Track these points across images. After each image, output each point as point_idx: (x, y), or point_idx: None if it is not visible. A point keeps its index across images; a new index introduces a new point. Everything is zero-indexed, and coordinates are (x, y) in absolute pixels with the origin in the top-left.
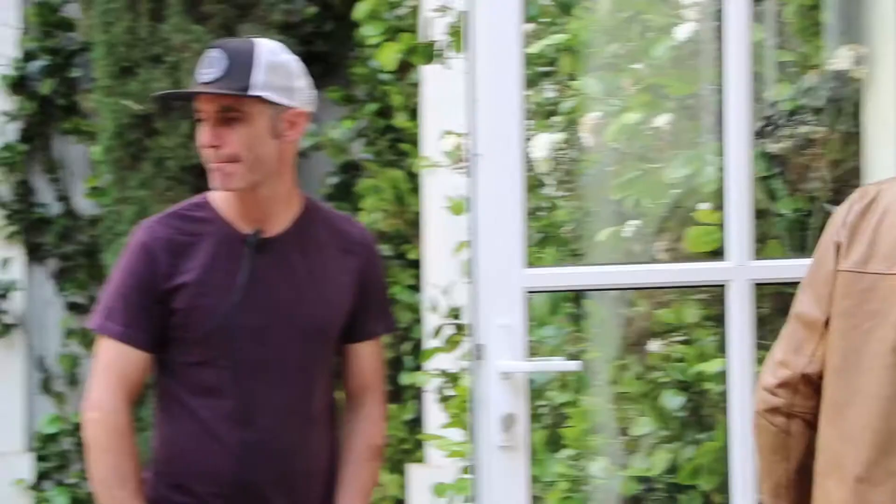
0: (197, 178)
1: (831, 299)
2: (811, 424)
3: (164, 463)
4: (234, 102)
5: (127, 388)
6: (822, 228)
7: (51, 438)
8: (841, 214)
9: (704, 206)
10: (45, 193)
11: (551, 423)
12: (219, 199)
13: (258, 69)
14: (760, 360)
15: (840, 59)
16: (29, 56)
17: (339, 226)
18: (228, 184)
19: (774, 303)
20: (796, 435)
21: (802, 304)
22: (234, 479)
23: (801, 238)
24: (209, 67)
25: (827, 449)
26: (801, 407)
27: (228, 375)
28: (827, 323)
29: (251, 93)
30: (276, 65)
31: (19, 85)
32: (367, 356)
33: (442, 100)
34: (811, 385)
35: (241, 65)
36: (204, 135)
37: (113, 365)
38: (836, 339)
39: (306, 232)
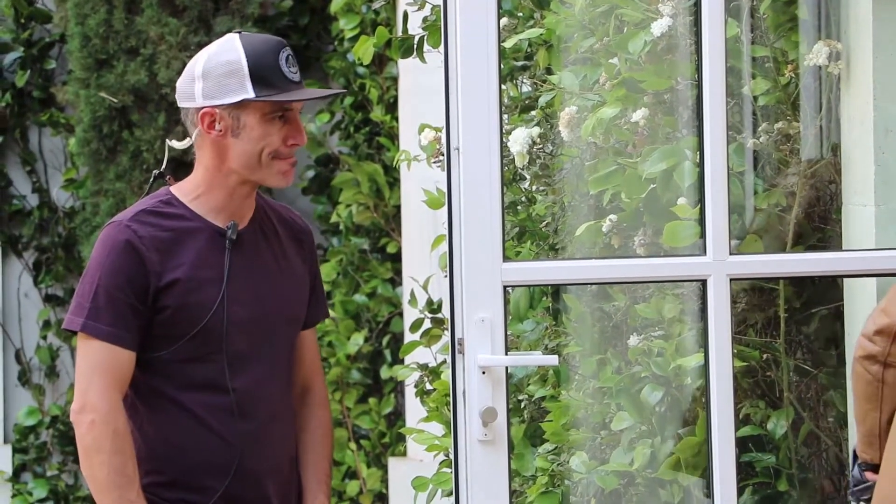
0: (174, 170)
1: None
2: None
3: (151, 459)
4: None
5: (119, 388)
6: (799, 223)
7: (29, 430)
8: None
9: (682, 201)
10: (21, 185)
11: (531, 418)
12: (184, 194)
13: None
14: (738, 355)
15: (816, 54)
16: (3, 48)
17: (285, 216)
18: (291, 179)
19: (752, 297)
20: (891, 384)
21: None
22: (236, 470)
23: (778, 233)
24: (294, 66)
25: None
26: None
27: (221, 369)
28: None
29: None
30: None
31: None
32: (311, 342)
33: (419, 93)
34: None
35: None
36: (300, 133)
37: (103, 366)
38: None
39: (266, 224)
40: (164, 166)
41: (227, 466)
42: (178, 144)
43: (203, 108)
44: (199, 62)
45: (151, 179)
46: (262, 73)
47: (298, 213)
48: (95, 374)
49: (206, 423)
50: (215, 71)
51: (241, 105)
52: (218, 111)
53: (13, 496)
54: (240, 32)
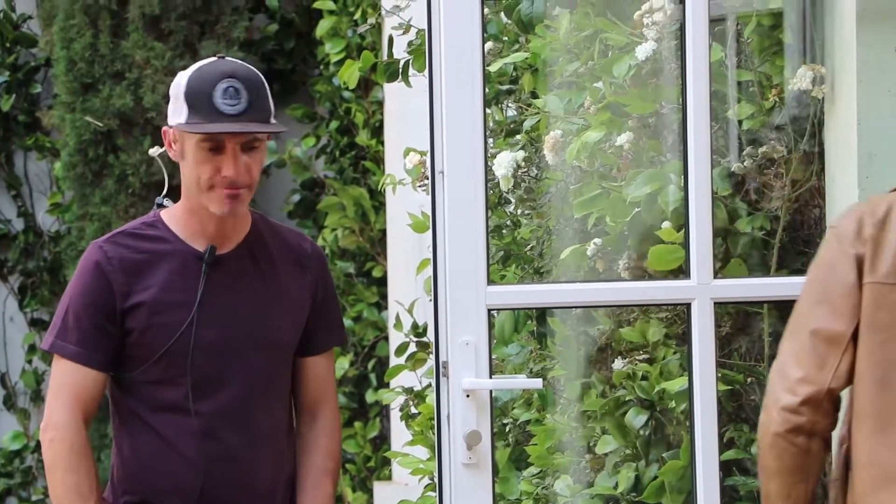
0: (168, 193)
1: (855, 312)
2: (828, 442)
3: (126, 480)
4: (259, 133)
5: (82, 407)
6: (783, 247)
7: (14, 455)
8: (851, 229)
9: (667, 225)
10: (6, 209)
11: (515, 441)
12: (170, 217)
13: (269, 97)
14: (722, 379)
15: (800, 78)
16: None
17: (290, 240)
18: (238, 209)
19: (735, 321)
20: (816, 453)
21: (819, 321)
22: (201, 493)
23: (762, 257)
24: (234, 99)
25: (875, 463)
26: (822, 424)
27: (186, 392)
28: (853, 336)
29: (272, 121)
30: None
31: None
32: (321, 369)
33: (404, 117)
34: (833, 401)
35: (259, 95)
36: (229, 166)
37: (68, 385)
38: (873, 352)
39: (258, 247)
40: (165, 189)
41: (192, 488)
42: (154, 151)
43: (166, 126)
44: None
45: (155, 205)
46: (195, 100)
47: (310, 239)
48: (60, 392)
49: (173, 445)
50: (173, 92)
51: (181, 129)
52: (171, 131)
53: None
54: (222, 57)
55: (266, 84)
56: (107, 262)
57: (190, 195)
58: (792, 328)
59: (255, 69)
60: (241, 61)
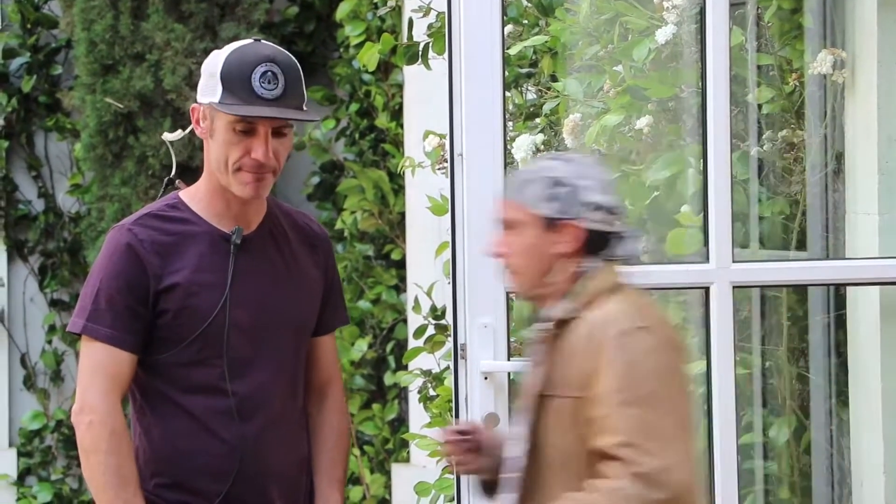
0: (179, 176)
1: None
2: None
3: (156, 462)
4: (292, 120)
5: (119, 390)
6: (802, 231)
7: (34, 434)
8: None
9: (686, 209)
10: (27, 190)
11: None
12: (191, 198)
13: (303, 84)
14: (741, 363)
15: (821, 63)
16: (10, 53)
17: (299, 221)
18: (262, 193)
19: (755, 305)
20: None
21: None
22: (237, 474)
23: (782, 241)
24: (272, 84)
25: None
26: None
27: (221, 373)
28: None
29: (305, 108)
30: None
31: (0, 82)
32: (329, 349)
33: (424, 100)
34: None
35: (295, 81)
36: (259, 149)
37: (103, 368)
38: None
39: (276, 229)
40: (173, 171)
41: (228, 470)
42: (170, 136)
43: (195, 103)
44: (207, 58)
45: (164, 185)
46: (232, 81)
47: (316, 219)
48: (95, 375)
49: (208, 427)
50: (207, 69)
51: (214, 108)
52: (201, 108)
53: (18, 500)
54: (257, 40)
55: (301, 71)
56: (139, 243)
57: (214, 175)
58: None
59: (291, 56)
60: (278, 46)
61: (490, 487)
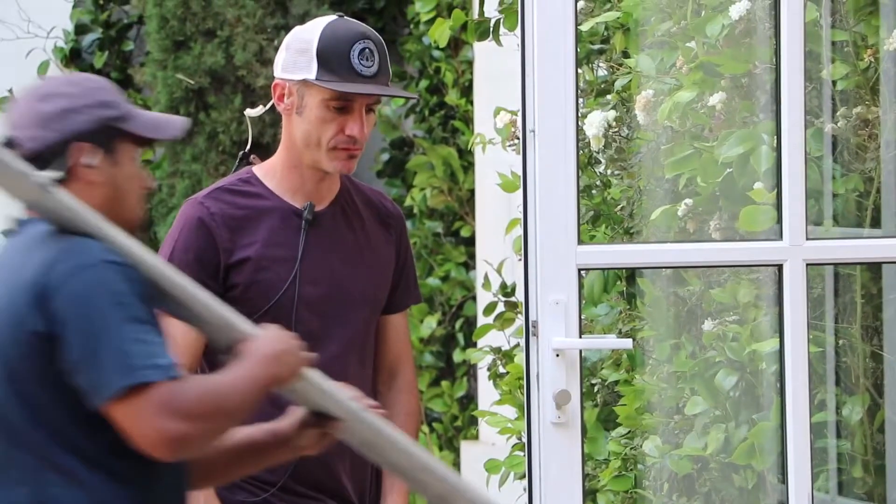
0: (251, 152)
1: None
2: None
3: None
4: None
5: (191, 364)
6: (876, 209)
7: None
8: None
9: (759, 186)
10: None
11: (604, 401)
12: (265, 173)
13: (388, 59)
14: (814, 341)
15: None
16: (82, 29)
17: (372, 199)
18: (352, 168)
19: (828, 283)
20: None
21: None
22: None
23: (856, 219)
24: (369, 61)
25: None
26: None
27: None
28: None
29: (390, 83)
30: None
31: (73, 58)
32: (401, 327)
33: (495, 76)
34: None
35: (386, 58)
36: (355, 125)
37: (173, 342)
38: None
39: (349, 206)
40: (248, 147)
41: None
42: (252, 112)
43: (278, 78)
44: (290, 34)
45: (238, 160)
46: (329, 58)
47: (390, 198)
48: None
49: (275, 402)
50: (293, 45)
51: (307, 84)
52: (287, 84)
53: None
54: (341, 16)
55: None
56: (210, 217)
57: (292, 151)
58: None
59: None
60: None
61: None
